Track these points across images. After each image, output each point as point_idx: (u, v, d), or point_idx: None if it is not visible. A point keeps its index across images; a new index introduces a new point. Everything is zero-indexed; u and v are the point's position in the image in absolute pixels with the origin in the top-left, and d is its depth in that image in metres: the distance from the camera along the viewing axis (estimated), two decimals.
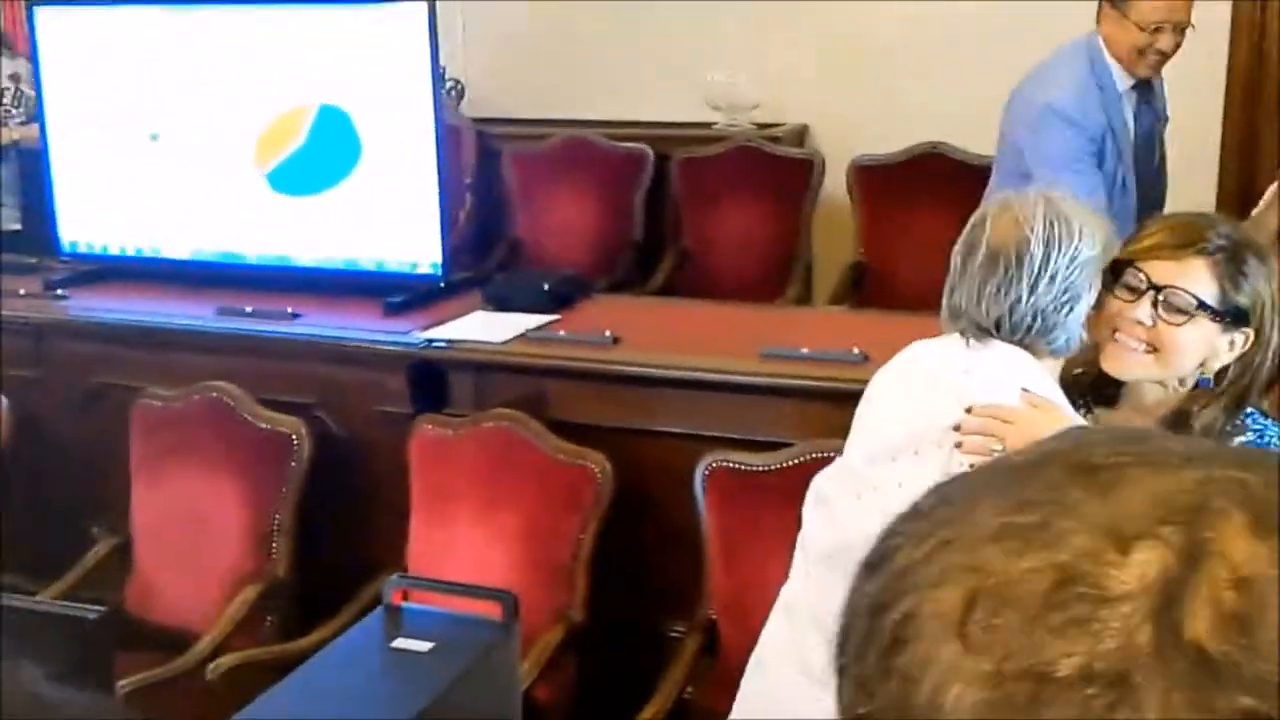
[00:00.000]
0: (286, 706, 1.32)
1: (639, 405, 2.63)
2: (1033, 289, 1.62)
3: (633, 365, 2.65)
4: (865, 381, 2.48)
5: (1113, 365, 1.67)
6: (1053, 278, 1.62)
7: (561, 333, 2.83)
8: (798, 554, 1.79)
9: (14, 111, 4.11)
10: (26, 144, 4.14)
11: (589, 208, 4.28)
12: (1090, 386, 1.74)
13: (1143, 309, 1.62)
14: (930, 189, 3.73)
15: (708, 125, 4.42)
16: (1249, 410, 1.68)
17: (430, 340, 2.82)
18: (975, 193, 3.19)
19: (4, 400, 2.86)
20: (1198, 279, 1.61)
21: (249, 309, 3.03)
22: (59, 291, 3.29)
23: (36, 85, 3.47)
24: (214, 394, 2.73)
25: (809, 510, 1.78)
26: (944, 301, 1.70)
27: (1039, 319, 1.63)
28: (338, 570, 2.72)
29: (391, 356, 2.82)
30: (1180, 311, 1.61)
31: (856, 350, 2.59)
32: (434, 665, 1.36)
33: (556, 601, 2.41)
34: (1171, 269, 1.62)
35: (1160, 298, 1.61)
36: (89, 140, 3.38)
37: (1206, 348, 1.63)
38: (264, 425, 2.68)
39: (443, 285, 3.12)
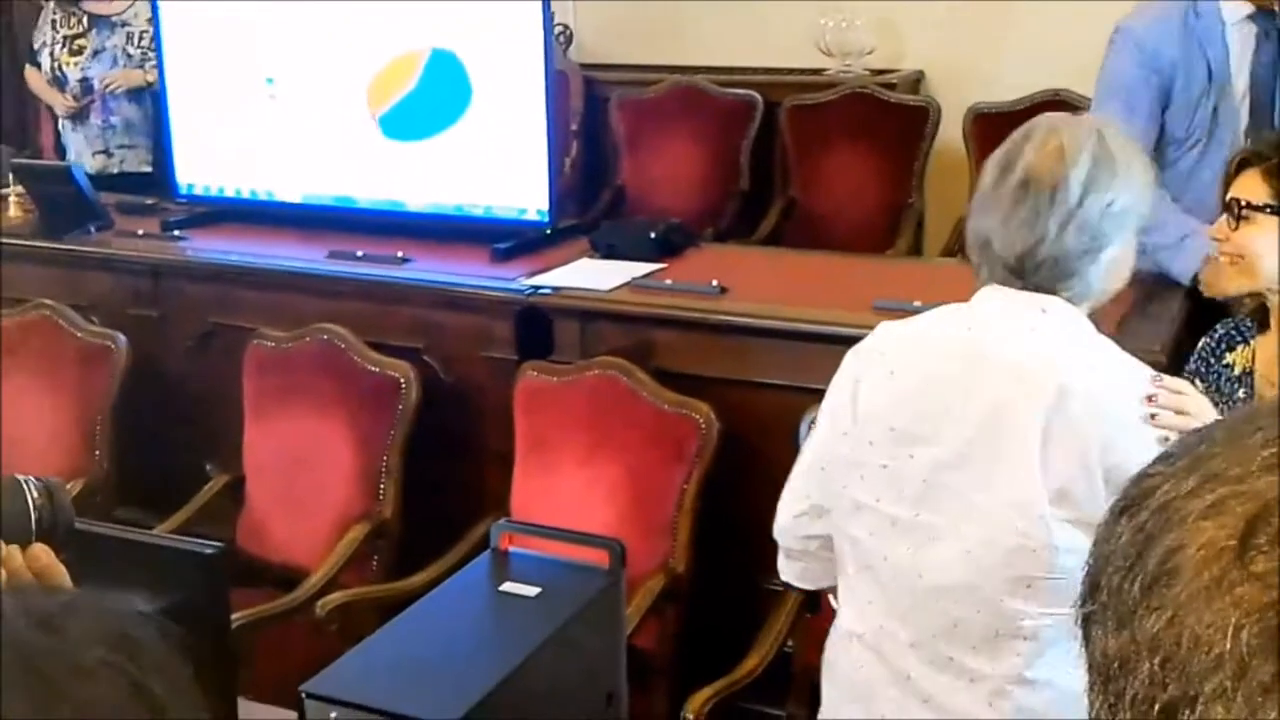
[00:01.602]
0: (396, 646, 1.33)
1: (745, 356, 2.60)
2: (1062, 230, 1.51)
3: (740, 315, 2.61)
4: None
5: (1208, 285, 1.95)
6: (1083, 224, 1.51)
7: (668, 281, 2.81)
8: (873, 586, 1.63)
9: (150, 55, 4.19)
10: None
11: (696, 155, 4.24)
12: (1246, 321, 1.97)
13: (1219, 225, 1.91)
14: None
15: (819, 71, 4.34)
16: None
17: (537, 287, 2.82)
18: None
19: (123, 339, 2.93)
20: (1254, 188, 1.87)
21: (359, 253, 3.06)
22: (176, 233, 3.35)
23: (155, 30, 3.52)
24: (325, 336, 2.76)
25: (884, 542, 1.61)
26: (970, 223, 1.58)
27: (1057, 264, 1.52)
28: (442, 513, 2.75)
29: (498, 303, 2.82)
30: (1241, 217, 1.87)
31: None
32: (541, 610, 1.36)
33: (658, 551, 2.41)
34: (1236, 186, 1.92)
35: (1230, 212, 1.89)
36: (206, 84, 3.43)
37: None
38: (373, 368, 2.71)
39: (549, 232, 3.11)
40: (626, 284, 2.80)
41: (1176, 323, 2.41)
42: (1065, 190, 1.51)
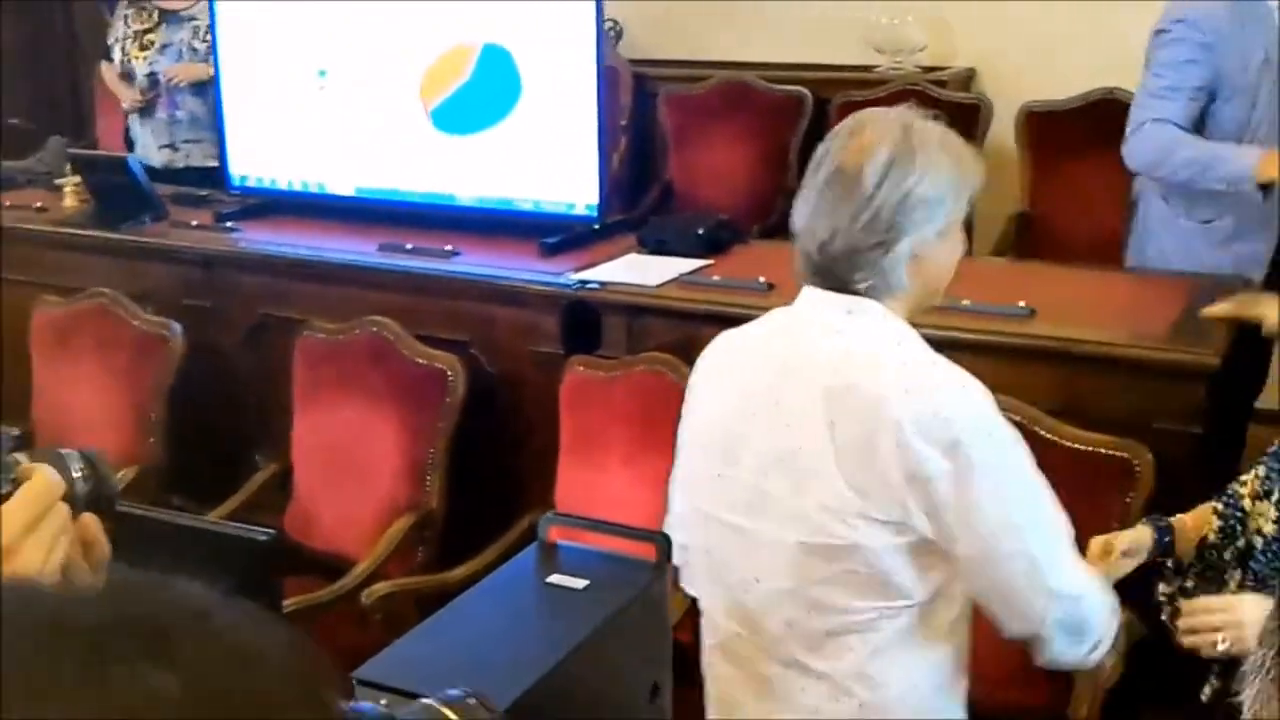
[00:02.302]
0: (445, 635, 1.33)
1: None
2: (853, 220, 1.52)
3: None
4: (1033, 336, 2.42)
5: None
6: (876, 213, 1.51)
7: (715, 278, 2.80)
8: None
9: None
10: None
11: (744, 152, 4.23)
12: None
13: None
14: (1104, 138, 3.55)
15: (870, 68, 4.32)
16: None
17: (584, 281, 2.83)
18: None
19: (179, 328, 2.97)
20: None
21: (409, 246, 3.08)
22: (228, 224, 3.39)
23: (211, 23, 3.57)
24: (374, 329, 2.79)
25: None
26: (794, 212, 1.60)
27: (852, 255, 1.53)
28: (486, 505, 2.77)
29: (546, 297, 2.83)
30: None
31: (1023, 304, 2.50)
32: (588, 603, 1.36)
33: None
34: None
35: None
36: (259, 77, 3.47)
37: None
38: (421, 361, 2.73)
39: (598, 227, 3.12)
40: (674, 280, 2.80)
41: (1231, 329, 2.37)
42: (860, 180, 1.51)
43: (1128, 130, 2.81)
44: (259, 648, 0.50)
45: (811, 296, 1.60)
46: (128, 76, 4.28)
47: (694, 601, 2.35)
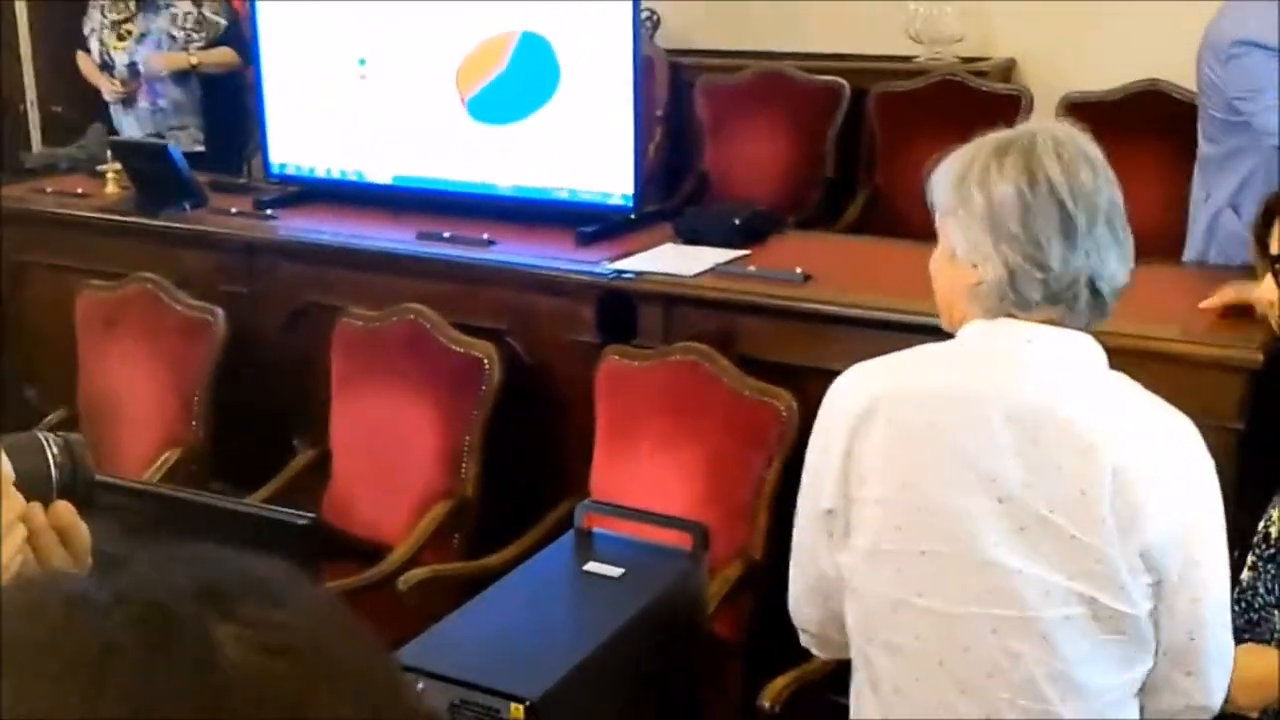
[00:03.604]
0: (482, 621, 1.35)
1: (827, 344, 2.58)
2: (1101, 247, 1.44)
3: (824, 304, 2.60)
4: None
5: None
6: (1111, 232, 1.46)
7: (752, 268, 2.80)
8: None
9: (195, 36, 4.27)
10: (206, 69, 4.30)
11: (781, 142, 4.21)
12: None
13: (1269, 286, 1.66)
14: (1146, 129, 3.53)
15: (909, 59, 4.29)
16: None
17: (620, 271, 2.83)
18: (1194, 134, 3.01)
19: (222, 313, 3.00)
20: None
21: (447, 234, 3.09)
22: (268, 211, 3.42)
23: (251, 10, 3.59)
24: (411, 316, 2.80)
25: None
26: (997, 245, 1.42)
27: (1098, 284, 1.46)
28: (522, 493, 2.78)
29: (582, 286, 2.84)
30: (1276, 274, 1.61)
31: None
32: (625, 591, 1.37)
33: (736, 537, 2.41)
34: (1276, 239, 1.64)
35: (1275, 268, 1.61)
36: (299, 65, 3.49)
37: None
38: (458, 349, 2.74)
39: (634, 217, 3.12)
40: (710, 270, 2.80)
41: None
42: (1096, 198, 1.42)
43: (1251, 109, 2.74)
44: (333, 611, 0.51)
45: (1003, 328, 1.45)
46: (106, 67, 4.30)
47: (730, 595, 2.33)
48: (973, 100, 3.95)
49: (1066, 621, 1.34)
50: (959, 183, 1.45)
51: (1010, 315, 1.42)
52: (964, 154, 1.47)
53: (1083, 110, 3.77)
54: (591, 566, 1.42)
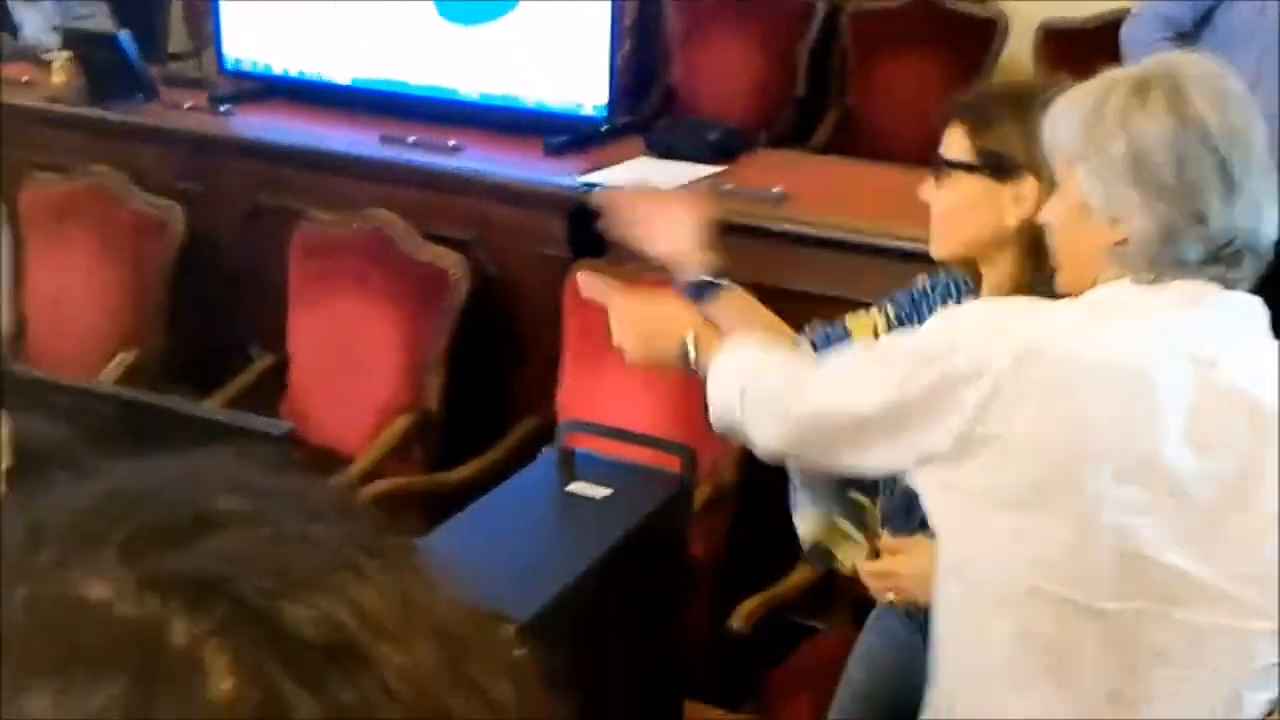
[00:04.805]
0: (463, 542, 1.31)
1: (802, 266, 2.54)
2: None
3: (803, 224, 2.55)
4: None
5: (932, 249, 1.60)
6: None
7: (728, 185, 2.74)
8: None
9: None
10: None
11: (752, 57, 4.13)
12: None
13: (926, 185, 1.57)
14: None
15: None
16: None
17: (592, 184, 2.76)
18: None
19: (179, 210, 2.89)
20: (952, 143, 1.54)
21: (411, 138, 2.99)
22: (224, 107, 3.29)
23: None
24: (376, 224, 2.72)
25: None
26: (1215, 206, 1.23)
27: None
28: (485, 407, 2.73)
29: (552, 198, 2.77)
30: (938, 176, 1.54)
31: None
32: (611, 513, 1.33)
33: (706, 458, 2.38)
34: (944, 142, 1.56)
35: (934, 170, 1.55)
36: None
37: (985, 207, 1.49)
38: (423, 259, 2.67)
39: (605, 129, 3.04)
40: (685, 186, 2.73)
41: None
42: (1253, 143, 1.26)
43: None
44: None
45: (1197, 291, 1.26)
46: None
47: (701, 515, 2.32)
48: (948, 22, 3.88)
49: None
50: (1091, 123, 1.26)
51: (1158, 279, 1.25)
52: (1091, 89, 1.28)
53: (1061, 38, 3.73)
54: (575, 487, 1.39)
